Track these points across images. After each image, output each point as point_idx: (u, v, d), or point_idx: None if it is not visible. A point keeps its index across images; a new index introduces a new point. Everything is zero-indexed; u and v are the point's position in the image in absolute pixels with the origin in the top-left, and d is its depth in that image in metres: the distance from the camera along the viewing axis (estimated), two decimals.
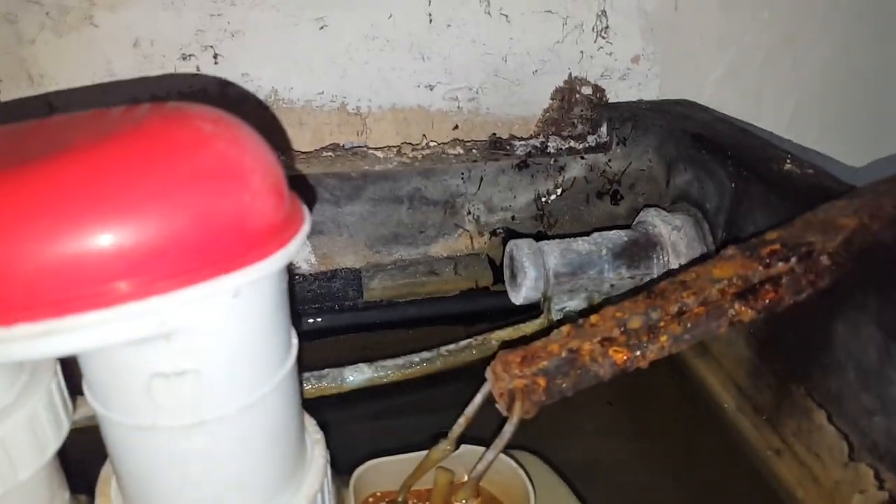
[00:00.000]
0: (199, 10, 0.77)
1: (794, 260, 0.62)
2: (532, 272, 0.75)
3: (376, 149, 0.87)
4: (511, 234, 0.87)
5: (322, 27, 0.81)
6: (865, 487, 0.58)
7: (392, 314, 0.86)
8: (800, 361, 0.66)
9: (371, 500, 0.65)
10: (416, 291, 0.87)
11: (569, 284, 0.77)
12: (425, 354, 0.76)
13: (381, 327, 0.86)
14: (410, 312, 0.87)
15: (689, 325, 0.62)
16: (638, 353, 0.62)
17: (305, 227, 0.44)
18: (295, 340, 0.50)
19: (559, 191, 0.88)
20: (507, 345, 0.78)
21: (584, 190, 0.88)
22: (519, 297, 0.77)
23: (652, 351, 0.63)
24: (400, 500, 0.63)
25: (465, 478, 0.64)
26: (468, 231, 0.86)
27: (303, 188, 0.79)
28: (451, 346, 0.77)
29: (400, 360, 0.75)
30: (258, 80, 0.83)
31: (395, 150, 0.86)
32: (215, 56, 0.81)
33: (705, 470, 0.82)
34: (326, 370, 0.73)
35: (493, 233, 0.87)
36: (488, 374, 0.64)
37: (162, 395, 0.36)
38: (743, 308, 0.62)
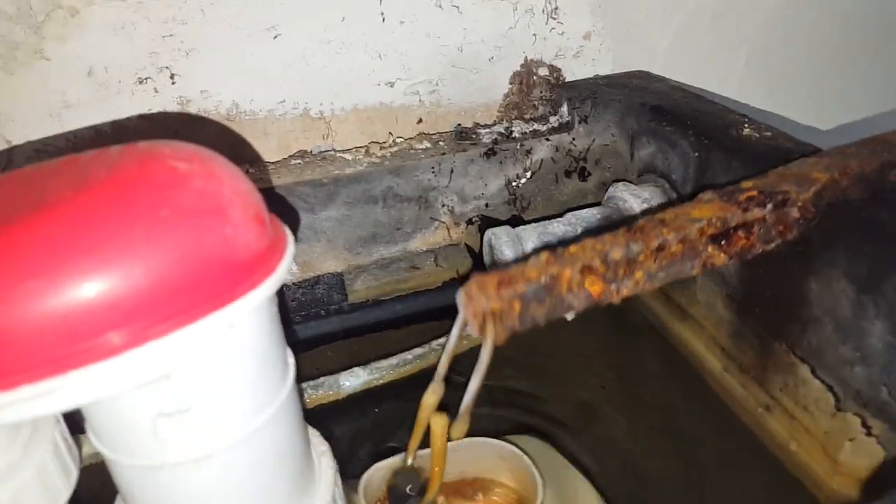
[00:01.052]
0: (150, 33, 0.76)
1: (770, 206, 0.63)
2: (511, 260, 0.76)
3: (344, 151, 0.87)
4: (486, 222, 0.89)
5: (276, 36, 0.81)
6: (854, 435, 0.61)
7: (379, 313, 0.87)
8: (779, 319, 0.69)
9: (381, 502, 0.66)
10: (400, 288, 0.88)
11: None
12: (418, 351, 0.77)
13: (371, 327, 0.87)
14: (397, 309, 0.88)
15: (664, 262, 0.62)
16: (613, 286, 0.61)
17: (290, 249, 0.45)
18: (291, 360, 0.50)
19: (528, 174, 0.89)
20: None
21: (551, 170, 0.90)
22: None
23: (626, 286, 0.62)
24: (410, 461, 0.63)
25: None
26: (444, 223, 0.87)
27: (275, 201, 0.79)
28: (442, 340, 0.78)
29: (394, 360, 0.76)
30: (218, 95, 0.82)
31: (363, 150, 0.87)
32: (172, 76, 0.80)
33: (699, 432, 0.85)
34: (322, 378, 0.74)
35: (469, 222, 0.88)
36: (460, 296, 0.55)
37: (168, 434, 0.37)
38: (716, 251, 0.64)
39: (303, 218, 0.81)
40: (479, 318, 0.54)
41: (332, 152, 0.86)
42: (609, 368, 0.99)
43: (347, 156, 0.85)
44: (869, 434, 0.60)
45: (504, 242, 0.76)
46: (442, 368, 0.57)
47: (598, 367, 0.91)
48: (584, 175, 0.91)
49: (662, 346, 0.85)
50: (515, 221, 0.88)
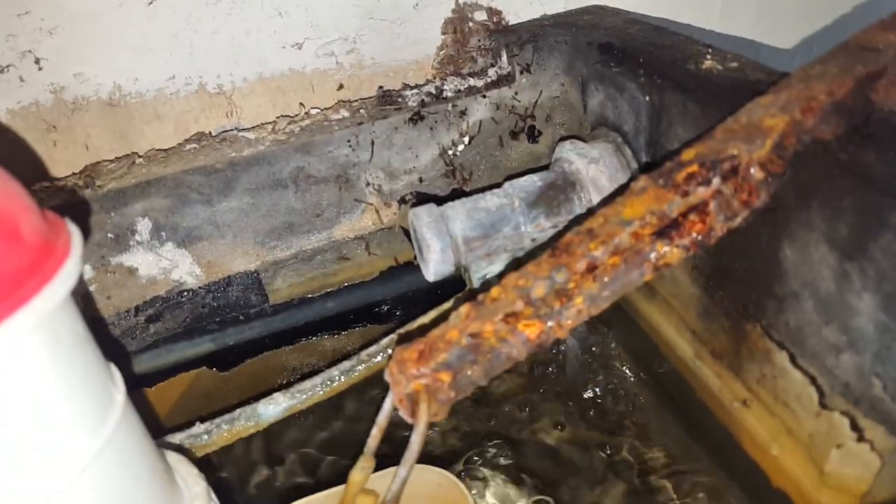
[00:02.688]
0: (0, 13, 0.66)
1: (716, 181, 0.51)
2: (436, 243, 0.64)
3: (249, 129, 0.75)
4: (422, 200, 0.77)
5: (150, 2, 0.69)
6: (842, 441, 0.49)
7: (308, 312, 0.77)
8: (750, 295, 0.56)
9: None
10: (329, 282, 0.77)
11: (483, 248, 0.66)
12: (345, 365, 0.66)
13: (301, 331, 0.77)
14: (329, 307, 0.78)
15: (605, 279, 0.52)
16: (551, 323, 0.53)
17: (71, 261, 0.36)
18: (119, 396, 0.41)
19: (466, 139, 0.76)
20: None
21: (494, 133, 0.77)
22: (429, 273, 0.67)
23: (568, 317, 0.53)
24: None
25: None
26: (372, 204, 0.76)
27: (167, 193, 0.69)
28: (372, 348, 0.67)
29: (318, 380, 0.66)
30: (95, 77, 0.71)
31: (269, 127, 0.75)
32: (37, 61, 0.69)
33: (674, 434, 0.73)
34: (237, 410, 0.65)
35: (402, 200, 0.77)
36: (386, 376, 0.55)
37: None
38: (666, 248, 0.52)
39: (199, 212, 0.70)
40: (406, 403, 0.50)
41: (235, 132, 0.75)
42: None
43: (250, 135, 0.74)
44: (861, 439, 0.48)
45: (426, 224, 0.65)
46: (372, 441, 0.53)
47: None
48: (533, 135, 0.78)
49: (632, 330, 0.73)
50: (457, 197, 0.76)
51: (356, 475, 0.57)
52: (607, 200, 0.66)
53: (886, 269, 0.43)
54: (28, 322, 0.34)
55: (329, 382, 0.65)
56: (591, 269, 0.52)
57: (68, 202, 0.66)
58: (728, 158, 0.51)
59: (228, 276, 0.73)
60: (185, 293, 0.72)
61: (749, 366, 0.58)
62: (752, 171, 0.51)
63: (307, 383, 0.65)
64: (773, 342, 0.55)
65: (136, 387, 0.72)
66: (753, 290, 0.56)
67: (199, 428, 0.61)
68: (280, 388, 0.65)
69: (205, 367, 0.75)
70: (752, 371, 0.57)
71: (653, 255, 0.52)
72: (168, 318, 0.73)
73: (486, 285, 0.68)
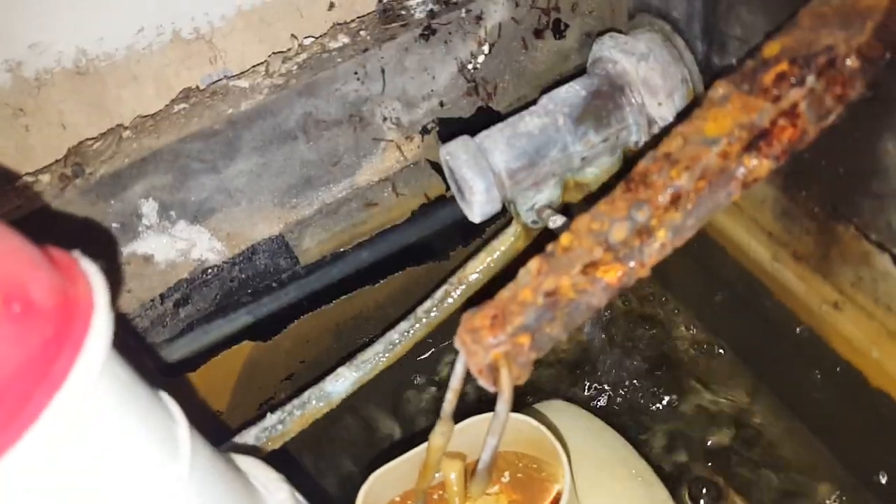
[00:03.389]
0: None
1: (811, 79, 0.44)
2: (479, 183, 0.58)
3: (240, 76, 0.66)
4: (447, 126, 0.69)
5: None
6: None
7: (343, 267, 0.72)
8: (843, 195, 0.51)
9: None
10: (360, 232, 0.71)
11: (530, 178, 0.60)
12: (403, 326, 0.62)
13: (338, 287, 0.72)
14: (364, 257, 0.72)
15: (689, 207, 0.47)
16: (633, 263, 0.48)
17: (99, 314, 0.30)
18: (181, 431, 0.37)
19: (486, 48, 0.67)
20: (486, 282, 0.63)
21: (515, 35, 0.68)
22: (474, 215, 0.60)
23: (650, 254, 0.48)
24: None
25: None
26: (392, 141, 0.68)
27: (166, 166, 0.61)
28: (427, 304, 0.63)
29: (379, 346, 0.62)
30: (54, 45, 0.61)
31: (261, 70, 0.66)
32: None
33: (754, 341, 0.70)
34: (306, 393, 0.62)
35: (424, 131, 0.69)
36: (458, 345, 0.50)
37: None
38: (755, 162, 0.46)
39: (206, 182, 0.63)
40: (486, 373, 0.47)
41: (225, 81, 0.66)
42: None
43: (243, 82, 0.65)
44: None
45: (464, 163, 0.58)
46: (448, 405, 0.51)
47: None
48: (559, 30, 0.69)
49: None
50: (484, 118, 0.68)
51: (436, 440, 0.54)
52: (671, 117, 0.58)
53: None
54: (87, 372, 0.29)
55: (391, 347, 0.61)
56: (676, 199, 0.46)
57: (58, 199, 0.59)
58: (823, 51, 0.43)
59: (252, 245, 0.67)
60: (210, 270, 0.66)
61: (841, 269, 0.53)
62: (849, 61, 0.44)
63: (369, 352, 0.62)
64: (872, 243, 0.50)
65: (180, 373, 0.69)
66: (846, 190, 0.50)
67: (271, 419, 0.59)
68: (339, 359, 0.61)
69: (247, 340, 0.70)
70: (846, 274, 0.53)
71: (741, 172, 0.46)
72: (197, 300, 0.67)
73: (539, 217, 0.63)
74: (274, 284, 0.70)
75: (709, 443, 0.72)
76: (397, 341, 0.61)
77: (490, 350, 0.48)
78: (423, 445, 0.55)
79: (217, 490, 0.41)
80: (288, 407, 0.60)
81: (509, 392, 0.49)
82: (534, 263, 0.49)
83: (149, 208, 0.63)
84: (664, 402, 0.75)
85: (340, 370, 0.60)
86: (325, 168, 0.67)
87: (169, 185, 0.63)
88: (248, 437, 0.59)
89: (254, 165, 0.64)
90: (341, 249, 0.71)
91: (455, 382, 0.54)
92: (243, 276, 0.68)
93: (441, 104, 0.68)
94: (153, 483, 0.36)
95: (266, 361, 0.72)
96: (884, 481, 0.59)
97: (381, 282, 0.75)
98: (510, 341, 0.48)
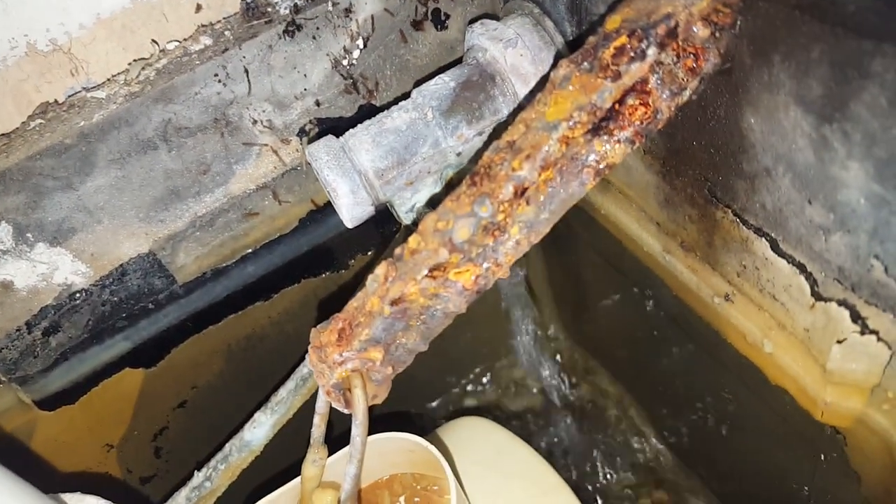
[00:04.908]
0: None
1: (652, 51, 0.40)
2: (343, 185, 0.54)
3: (97, 87, 0.62)
4: (326, 126, 0.65)
5: None
6: (843, 334, 0.41)
7: (227, 283, 0.67)
8: (716, 178, 0.47)
9: None
10: (242, 245, 0.67)
11: (402, 177, 0.56)
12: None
13: (225, 306, 0.68)
14: (250, 272, 0.68)
15: (540, 199, 0.43)
16: (487, 264, 0.44)
17: None
18: None
19: (360, 42, 0.63)
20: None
21: (392, 27, 0.64)
22: (345, 219, 0.57)
23: (505, 253, 0.44)
24: None
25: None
26: (267, 145, 0.64)
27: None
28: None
29: (291, 384, 0.58)
30: None
31: (121, 79, 0.62)
32: None
33: (650, 339, 0.67)
34: (227, 445, 0.59)
35: (303, 132, 0.65)
36: (310, 366, 0.47)
37: None
38: (606, 147, 0.42)
39: (62, 200, 0.58)
40: (334, 394, 0.45)
41: (83, 93, 0.62)
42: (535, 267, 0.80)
43: (100, 93, 0.61)
44: (866, 330, 0.40)
45: (325, 164, 0.54)
46: (317, 430, 0.49)
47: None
48: (440, 21, 0.65)
49: (591, 228, 0.64)
50: (368, 117, 0.64)
51: (308, 469, 0.50)
52: (534, 94, 0.55)
53: (875, 129, 0.34)
54: None
55: (302, 382, 0.57)
56: (521, 192, 0.43)
57: None
58: (662, 20, 0.40)
59: (121, 265, 0.63)
60: (78, 295, 0.62)
61: (726, 257, 0.50)
62: (695, 28, 0.41)
63: (282, 391, 0.58)
64: (750, 228, 0.46)
65: (56, 406, 0.64)
66: (718, 171, 0.47)
67: (198, 477, 0.56)
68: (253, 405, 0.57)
69: (127, 368, 0.66)
70: (731, 263, 0.49)
71: (591, 159, 0.43)
72: (68, 327, 0.63)
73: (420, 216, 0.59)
74: (150, 306, 0.65)
75: None
76: (308, 375, 0.57)
77: (336, 368, 0.45)
78: (297, 480, 0.51)
79: None
80: (212, 463, 0.57)
81: (363, 414, 0.46)
82: (381, 269, 0.45)
83: (3, 231, 0.58)
84: None
85: (256, 416, 0.57)
86: (192, 178, 0.62)
87: (23, 206, 0.58)
88: (179, 499, 0.56)
89: (113, 179, 0.60)
90: (223, 264, 0.67)
91: (320, 406, 0.50)
92: (115, 299, 0.64)
93: (317, 103, 0.64)
94: None
95: (152, 389, 0.68)
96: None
97: (275, 297, 0.71)
98: (359, 357, 0.45)
